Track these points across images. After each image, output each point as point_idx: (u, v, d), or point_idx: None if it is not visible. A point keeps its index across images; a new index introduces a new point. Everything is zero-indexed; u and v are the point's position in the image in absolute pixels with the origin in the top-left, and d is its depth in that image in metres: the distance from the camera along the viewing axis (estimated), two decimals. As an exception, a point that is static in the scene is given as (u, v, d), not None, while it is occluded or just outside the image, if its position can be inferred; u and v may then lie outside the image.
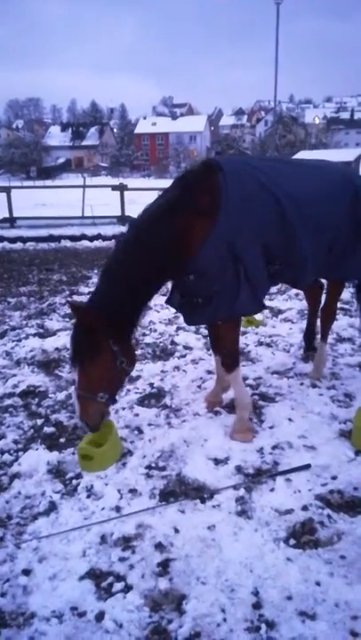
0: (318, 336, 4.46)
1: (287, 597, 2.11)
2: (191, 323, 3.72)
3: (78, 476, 3.03)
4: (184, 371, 4.59)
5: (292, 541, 2.44)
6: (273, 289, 5.67)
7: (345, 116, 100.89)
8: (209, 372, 4.41)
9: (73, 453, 3.26)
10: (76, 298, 7.40)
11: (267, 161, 3.86)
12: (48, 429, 3.59)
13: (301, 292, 6.04)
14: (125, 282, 2.92)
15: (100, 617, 2.06)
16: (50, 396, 4.15)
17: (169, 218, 2.94)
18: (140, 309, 3.06)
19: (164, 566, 2.30)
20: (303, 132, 70.36)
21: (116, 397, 3.23)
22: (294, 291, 6.76)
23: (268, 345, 5.17)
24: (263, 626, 1.99)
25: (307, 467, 3.01)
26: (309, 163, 4.13)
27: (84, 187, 16.83)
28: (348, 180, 3.68)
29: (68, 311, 6.74)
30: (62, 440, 3.47)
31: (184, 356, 4.94)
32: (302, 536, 2.46)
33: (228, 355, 3.42)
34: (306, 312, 6.32)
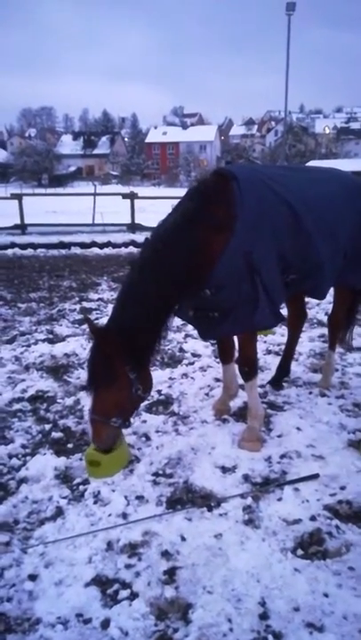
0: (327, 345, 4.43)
1: (294, 608, 2.08)
2: (207, 338, 3.67)
3: (85, 482, 3.03)
4: (192, 378, 4.58)
5: (299, 552, 2.41)
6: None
7: (355, 126, 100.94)
8: (217, 380, 4.40)
9: (80, 459, 3.26)
10: (85, 304, 7.44)
11: (277, 168, 3.86)
12: (56, 434, 3.59)
13: (312, 300, 6.01)
14: (144, 303, 2.82)
15: (105, 624, 2.05)
16: (58, 401, 4.16)
17: (186, 232, 2.86)
18: (159, 332, 2.96)
19: (171, 574, 2.29)
20: (313, 142, 70.45)
21: (130, 421, 3.18)
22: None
23: (277, 353, 5.15)
24: (270, 637, 1.96)
25: (315, 476, 2.98)
26: (319, 169, 4.14)
27: (94, 194, 16.98)
28: (357, 186, 3.68)
29: (78, 317, 6.78)
30: (70, 445, 3.47)
31: (192, 364, 4.93)
32: (310, 546, 2.43)
33: (248, 363, 3.39)
34: (314, 322, 6.31)
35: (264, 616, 2.06)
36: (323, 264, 3.33)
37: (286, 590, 2.17)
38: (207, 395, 4.22)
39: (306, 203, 3.21)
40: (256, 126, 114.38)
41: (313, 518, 2.63)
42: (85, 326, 6.29)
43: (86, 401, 4.10)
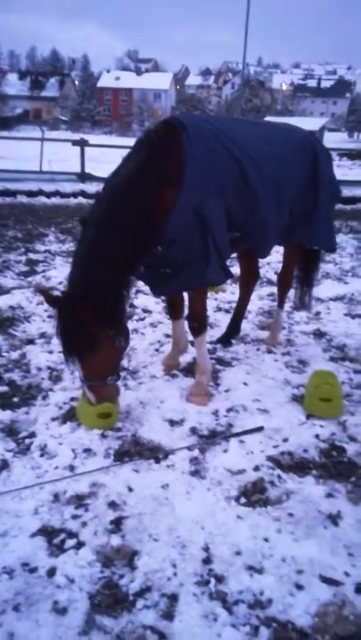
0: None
1: (236, 553, 2.18)
2: (159, 294, 3.63)
3: (32, 435, 2.99)
4: (142, 334, 4.56)
5: (242, 500, 2.50)
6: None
7: (312, 83, 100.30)
8: (167, 336, 4.40)
9: (27, 413, 3.21)
10: (31, 256, 7.17)
11: (228, 121, 3.76)
12: (1, 388, 3.50)
13: (263, 260, 6.06)
14: (106, 263, 2.71)
15: (51, 572, 2.06)
16: (3, 354, 4.03)
17: (140, 186, 2.76)
18: (126, 286, 2.90)
19: (117, 524, 2.33)
20: (270, 98, 69.47)
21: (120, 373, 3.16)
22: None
23: (227, 311, 5.20)
24: (212, 580, 2.05)
25: (260, 429, 3.08)
26: (272, 124, 4.07)
27: (42, 140, 16.09)
28: (308, 144, 3.65)
29: (24, 269, 6.53)
30: (16, 399, 3.40)
31: (143, 319, 4.91)
32: (253, 495, 2.53)
33: (197, 319, 3.41)
34: (264, 280, 6.39)
35: (207, 560, 2.14)
36: (266, 222, 3.33)
37: (229, 536, 2.26)
38: (157, 350, 4.22)
39: (254, 159, 3.16)
40: (213, 77, 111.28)
41: (256, 468, 2.73)
42: (32, 278, 6.09)
43: (34, 355, 4.01)
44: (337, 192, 3.94)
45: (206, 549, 2.19)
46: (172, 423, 3.15)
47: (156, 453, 2.83)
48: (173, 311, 3.77)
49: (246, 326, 4.75)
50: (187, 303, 3.49)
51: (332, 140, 36.00)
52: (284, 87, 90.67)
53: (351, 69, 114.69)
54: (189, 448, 2.89)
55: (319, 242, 3.93)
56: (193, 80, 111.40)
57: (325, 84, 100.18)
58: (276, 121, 5.93)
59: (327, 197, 3.72)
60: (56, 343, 3.21)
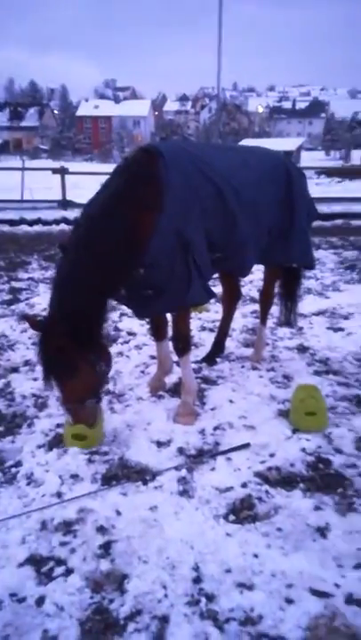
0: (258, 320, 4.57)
1: (226, 570, 2.18)
2: (143, 316, 3.68)
3: (18, 464, 2.97)
4: (127, 356, 4.58)
5: (231, 517, 2.51)
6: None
7: (287, 105, 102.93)
8: (152, 357, 4.42)
9: (12, 442, 3.20)
10: (14, 284, 7.18)
11: (204, 147, 3.89)
12: (-14, 418, 3.48)
13: (245, 278, 6.15)
14: (83, 287, 2.77)
15: (40, 601, 2.04)
16: (-12, 384, 4.02)
17: (118, 212, 2.83)
18: (105, 309, 2.95)
19: (106, 548, 2.31)
20: (247, 120, 71.11)
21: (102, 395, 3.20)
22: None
23: (211, 330, 5.24)
24: (203, 599, 2.04)
25: (246, 445, 3.09)
26: (243, 148, 4.20)
27: (22, 169, 16.25)
28: (281, 166, 3.77)
29: (7, 297, 6.54)
30: (1, 428, 3.38)
31: (127, 342, 4.93)
32: (241, 512, 2.54)
33: (181, 340, 3.45)
34: (247, 298, 6.47)
35: (197, 580, 2.13)
36: (246, 243, 3.43)
37: (219, 554, 2.26)
38: (143, 372, 4.24)
39: (231, 183, 3.27)
40: (190, 102, 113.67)
41: (244, 485, 2.74)
42: (15, 306, 6.10)
43: (19, 383, 4.01)
44: (312, 211, 4.06)
45: (196, 569, 2.19)
46: (160, 444, 3.16)
47: (143, 475, 2.83)
48: (157, 332, 3.81)
49: (231, 344, 4.80)
50: (171, 324, 3.53)
51: (309, 158, 36.78)
52: (261, 110, 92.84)
53: (325, 90, 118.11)
54: (177, 468, 2.89)
55: (297, 260, 4.02)
56: (171, 106, 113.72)
57: (300, 105, 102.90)
58: (252, 144, 6.09)
59: (303, 216, 3.83)
60: (40, 370, 3.23)
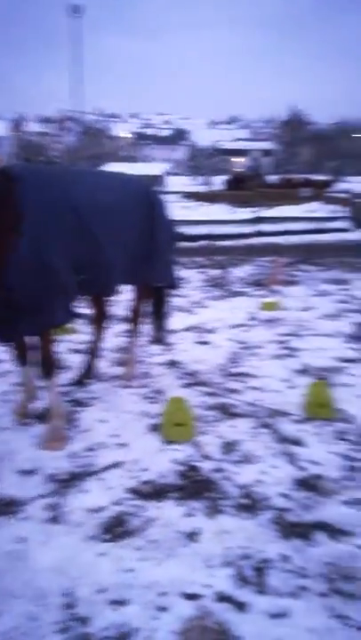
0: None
1: (99, 591, 2.15)
2: (5, 340, 3.54)
3: None
4: (-9, 385, 4.34)
5: (104, 537, 2.49)
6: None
7: (151, 131, 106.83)
8: (17, 384, 4.25)
9: None
10: None
11: (64, 170, 3.92)
12: None
13: (117, 297, 6.20)
14: None
15: None
16: None
17: None
18: None
19: (-29, 590, 2.16)
20: (112, 145, 72.16)
21: None
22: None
23: (80, 352, 5.18)
24: (76, 623, 2.00)
25: (118, 464, 3.10)
26: (106, 173, 4.31)
27: None
28: (142, 191, 3.93)
29: None
30: None
31: (-9, 370, 4.68)
32: (114, 530, 2.54)
33: (47, 363, 3.38)
34: (119, 318, 6.52)
35: (70, 605, 2.08)
36: (111, 265, 3.50)
37: (92, 576, 2.23)
38: (6, 401, 4.05)
39: (92, 207, 3.33)
40: (54, 125, 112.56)
41: (117, 503, 2.74)
42: None
43: None
44: (174, 233, 4.26)
45: (68, 594, 2.13)
46: (26, 473, 3.04)
47: (10, 508, 2.70)
48: (19, 358, 3.68)
49: (103, 364, 4.79)
50: (36, 348, 3.44)
51: (176, 183, 38.29)
52: (127, 135, 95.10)
53: (185, 119, 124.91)
54: (43, 496, 2.80)
55: (160, 280, 4.20)
56: (33, 127, 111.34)
57: (163, 132, 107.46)
58: (119, 168, 6.24)
59: (165, 238, 4.01)
60: None
